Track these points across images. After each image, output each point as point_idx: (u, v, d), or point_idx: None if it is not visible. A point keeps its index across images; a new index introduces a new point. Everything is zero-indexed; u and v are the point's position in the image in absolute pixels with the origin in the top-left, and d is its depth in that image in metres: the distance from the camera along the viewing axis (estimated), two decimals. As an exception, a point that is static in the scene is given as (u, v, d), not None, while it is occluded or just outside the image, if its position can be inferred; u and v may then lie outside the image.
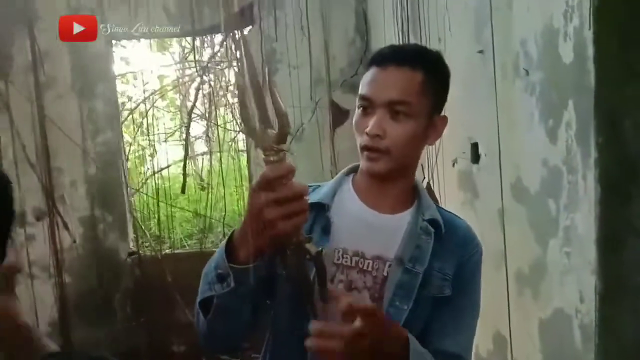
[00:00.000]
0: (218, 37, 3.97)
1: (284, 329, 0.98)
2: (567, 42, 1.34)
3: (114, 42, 3.61)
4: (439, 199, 2.20)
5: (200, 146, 5.41)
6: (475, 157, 1.98)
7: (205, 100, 4.34)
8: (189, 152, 4.58)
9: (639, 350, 1.12)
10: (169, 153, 4.51)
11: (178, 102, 5.19)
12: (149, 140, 4.46)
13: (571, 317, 1.41)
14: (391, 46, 1.05)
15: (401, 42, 2.43)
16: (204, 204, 4.15)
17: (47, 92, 3.33)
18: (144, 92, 4.36)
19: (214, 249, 3.80)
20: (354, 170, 1.05)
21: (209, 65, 4.13)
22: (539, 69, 1.50)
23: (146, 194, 4.05)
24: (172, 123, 5.34)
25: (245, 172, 4.12)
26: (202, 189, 4.81)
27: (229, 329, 0.89)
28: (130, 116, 4.39)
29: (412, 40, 2.37)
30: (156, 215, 3.82)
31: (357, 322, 0.76)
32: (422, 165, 2.27)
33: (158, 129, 4.57)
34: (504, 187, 1.73)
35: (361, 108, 0.97)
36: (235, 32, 3.58)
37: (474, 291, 1.00)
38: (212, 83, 4.11)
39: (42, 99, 3.30)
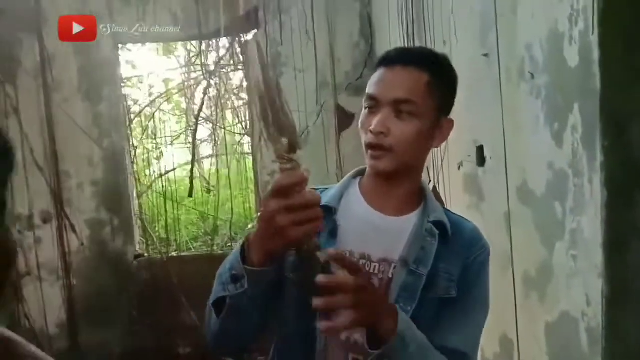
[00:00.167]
0: (223, 41, 3.99)
1: (291, 332, 0.99)
2: (572, 46, 1.35)
3: (120, 45, 3.64)
4: (444, 202, 2.20)
5: (205, 149, 5.44)
6: (481, 160, 1.98)
7: (211, 104, 4.36)
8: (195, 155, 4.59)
9: (646, 353, 1.12)
10: (175, 156, 4.53)
11: (184, 106, 5.22)
12: (155, 143, 4.49)
13: (578, 320, 1.41)
14: (399, 48, 1.07)
15: (406, 45, 2.43)
16: (209, 207, 4.16)
17: (54, 95, 3.36)
18: (150, 95, 4.39)
19: (219, 252, 3.83)
20: (361, 173, 1.06)
21: (215, 68, 4.15)
22: (545, 72, 1.51)
23: (152, 197, 4.07)
24: (177, 126, 5.37)
25: (251, 175, 4.13)
26: (208, 191, 4.84)
27: (240, 330, 0.90)
28: (137, 119, 4.42)
29: (417, 44, 2.38)
30: (164, 218, 3.84)
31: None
32: (427, 168, 2.28)
33: (164, 132, 4.59)
34: (510, 190, 1.73)
35: (367, 107, 0.98)
36: (242, 35, 3.60)
37: (480, 291, 1.00)
38: (217, 86, 4.13)
39: (51, 103, 3.33)
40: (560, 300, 1.51)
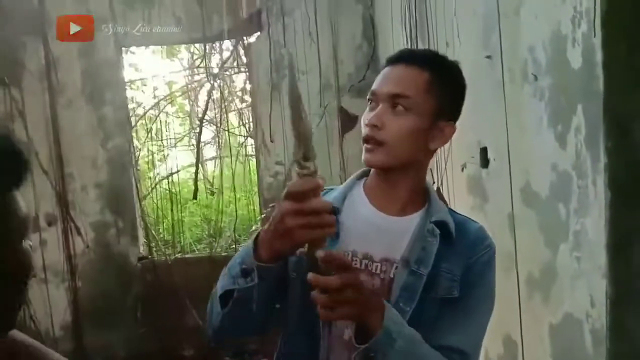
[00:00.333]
0: (227, 43, 4.01)
1: (295, 331, 1.00)
2: (575, 48, 1.35)
3: (123, 48, 3.66)
4: (448, 203, 2.20)
5: (209, 151, 5.45)
6: (485, 162, 1.98)
7: (215, 106, 4.38)
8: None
9: (650, 354, 1.12)
10: (178, 158, 4.54)
11: (187, 108, 5.24)
12: (159, 145, 4.50)
13: (582, 321, 1.41)
14: (405, 48, 1.08)
15: (409, 47, 2.44)
16: (213, 209, 4.17)
17: (58, 98, 3.38)
18: (153, 98, 4.41)
19: (223, 254, 3.82)
20: (366, 174, 1.07)
21: (218, 71, 4.16)
22: (548, 74, 1.51)
23: (156, 199, 4.08)
24: (181, 129, 5.39)
25: (254, 177, 4.14)
26: (212, 193, 4.85)
27: (242, 323, 0.93)
28: (140, 122, 4.44)
29: (420, 46, 2.39)
30: (168, 220, 3.85)
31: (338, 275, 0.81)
32: (431, 170, 2.28)
33: (168, 135, 4.61)
34: (514, 192, 1.73)
35: (369, 103, 1.00)
36: (245, 38, 3.61)
37: (483, 291, 1.00)
38: (221, 89, 4.14)
39: (55, 106, 3.35)
40: (564, 302, 1.51)
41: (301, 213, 0.78)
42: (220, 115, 4.32)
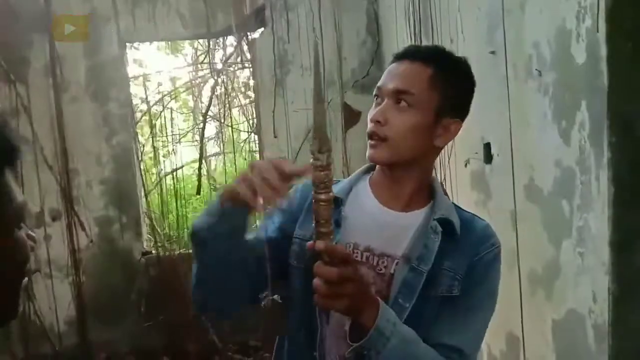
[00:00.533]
0: (230, 39, 4.01)
1: (294, 319, 1.02)
2: (579, 43, 1.34)
3: (127, 44, 3.67)
4: (451, 199, 2.20)
5: (212, 147, 5.46)
6: (488, 158, 1.98)
7: (218, 102, 4.38)
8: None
9: (653, 350, 1.12)
10: (182, 154, 4.55)
11: (191, 104, 5.24)
12: (163, 141, 4.51)
13: (584, 317, 1.41)
14: (411, 45, 1.08)
15: (413, 43, 2.44)
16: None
17: (63, 94, 3.39)
18: (158, 93, 4.41)
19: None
20: (372, 168, 1.07)
21: (222, 66, 4.17)
22: (552, 69, 1.51)
23: (160, 195, 4.09)
24: (185, 124, 5.39)
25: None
26: (215, 189, 4.85)
27: (212, 277, 0.95)
28: (144, 118, 4.45)
29: (424, 41, 2.38)
30: (172, 215, 3.86)
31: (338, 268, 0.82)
32: (434, 165, 2.27)
33: (173, 130, 4.62)
34: (517, 188, 1.73)
35: (375, 99, 1.00)
36: (249, 34, 3.61)
37: (485, 291, 1.00)
38: (225, 84, 4.14)
39: (60, 102, 3.36)
40: (567, 298, 1.51)
41: (258, 178, 0.81)
42: (224, 111, 4.32)
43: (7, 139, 0.60)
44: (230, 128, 4.44)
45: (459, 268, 0.97)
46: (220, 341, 3.45)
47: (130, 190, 3.55)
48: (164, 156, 4.60)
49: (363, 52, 3.45)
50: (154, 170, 4.57)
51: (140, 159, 3.77)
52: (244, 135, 4.87)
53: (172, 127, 4.60)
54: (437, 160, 2.27)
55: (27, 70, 3.35)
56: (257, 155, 4.10)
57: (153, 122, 4.28)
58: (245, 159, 4.69)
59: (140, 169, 3.71)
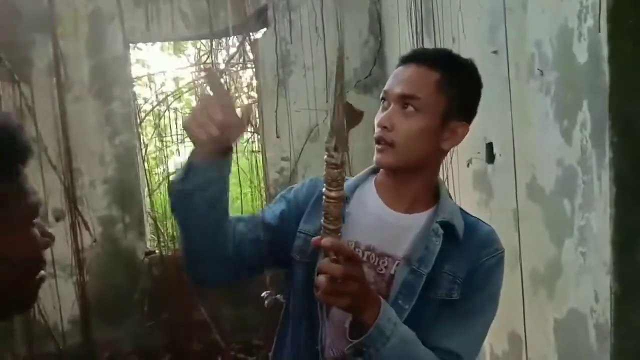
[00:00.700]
0: (233, 39, 4.02)
1: (296, 314, 1.02)
2: (581, 42, 1.35)
3: (130, 44, 3.68)
4: (453, 199, 2.20)
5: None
6: (490, 157, 1.98)
7: (221, 102, 4.38)
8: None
9: (654, 349, 1.12)
10: (185, 154, 4.55)
11: (194, 104, 5.25)
12: (166, 141, 4.52)
13: (586, 316, 1.41)
14: (418, 48, 1.09)
15: (415, 43, 2.44)
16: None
17: (66, 94, 3.41)
18: (163, 93, 4.42)
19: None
20: (379, 169, 1.07)
21: (225, 67, 4.17)
22: (554, 69, 1.51)
23: (163, 194, 4.10)
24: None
25: (260, 172, 4.15)
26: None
27: (194, 237, 0.94)
28: (147, 118, 4.46)
29: (426, 41, 2.38)
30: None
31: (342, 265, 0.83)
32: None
33: (177, 130, 4.63)
34: (519, 187, 1.73)
35: (382, 103, 1.00)
36: (251, 34, 3.62)
37: (486, 296, 1.00)
38: (227, 84, 4.15)
39: (64, 102, 3.38)
40: (568, 297, 1.51)
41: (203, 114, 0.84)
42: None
43: (23, 140, 0.62)
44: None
45: (459, 272, 0.97)
46: (223, 340, 3.46)
47: (133, 190, 3.57)
48: (167, 156, 4.61)
49: (365, 51, 3.45)
50: (157, 170, 4.58)
51: (143, 158, 3.78)
52: (246, 135, 4.87)
53: (175, 127, 4.61)
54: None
55: (30, 70, 3.36)
56: (260, 155, 4.11)
57: (156, 122, 4.30)
58: (248, 159, 4.69)
59: (143, 168, 3.72)
